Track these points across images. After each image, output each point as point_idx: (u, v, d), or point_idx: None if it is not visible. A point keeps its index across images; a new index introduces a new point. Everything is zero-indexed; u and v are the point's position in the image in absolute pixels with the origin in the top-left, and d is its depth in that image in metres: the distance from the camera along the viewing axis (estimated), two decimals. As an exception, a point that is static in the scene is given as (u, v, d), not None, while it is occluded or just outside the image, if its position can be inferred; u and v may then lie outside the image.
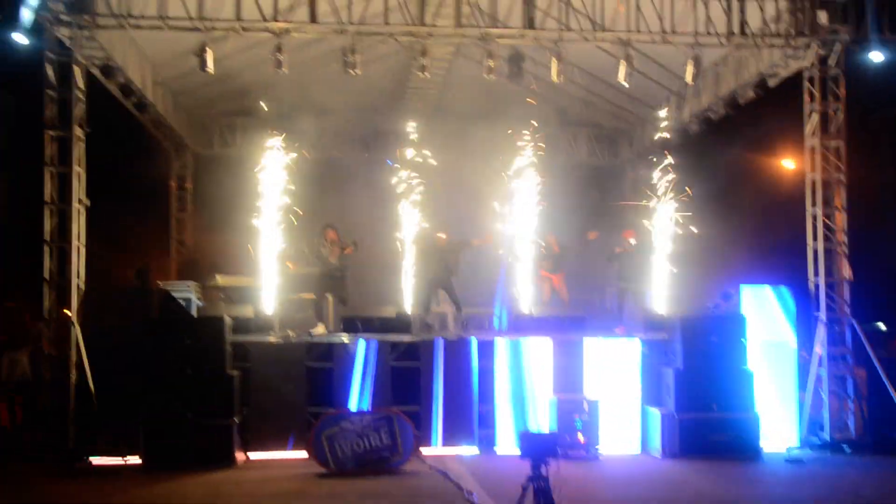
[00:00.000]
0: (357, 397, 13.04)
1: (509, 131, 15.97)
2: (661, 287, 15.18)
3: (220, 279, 16.06)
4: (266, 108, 15.91)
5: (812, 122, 14.59)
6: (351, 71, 14.30)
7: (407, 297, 14.71)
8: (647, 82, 18.05)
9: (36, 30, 13.19)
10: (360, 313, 13.77)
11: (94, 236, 13.93)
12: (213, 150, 20.50)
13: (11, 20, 12.88)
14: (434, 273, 14.72)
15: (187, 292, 15.22)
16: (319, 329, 14.04)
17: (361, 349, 13.22)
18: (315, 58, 17.57)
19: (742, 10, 14.37)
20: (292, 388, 13.00)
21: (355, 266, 14.95)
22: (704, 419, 12.82)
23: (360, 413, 12.12)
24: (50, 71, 13.32)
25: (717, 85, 16.98)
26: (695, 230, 15.45)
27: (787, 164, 20.59)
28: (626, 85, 15.00)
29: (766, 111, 17.36)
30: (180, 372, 12.17)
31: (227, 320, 12.63)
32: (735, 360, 13.13)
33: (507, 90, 16.77)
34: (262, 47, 14.53)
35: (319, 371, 13.26)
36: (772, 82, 15.55)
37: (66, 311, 12.85)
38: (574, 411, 12.77)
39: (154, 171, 18.91)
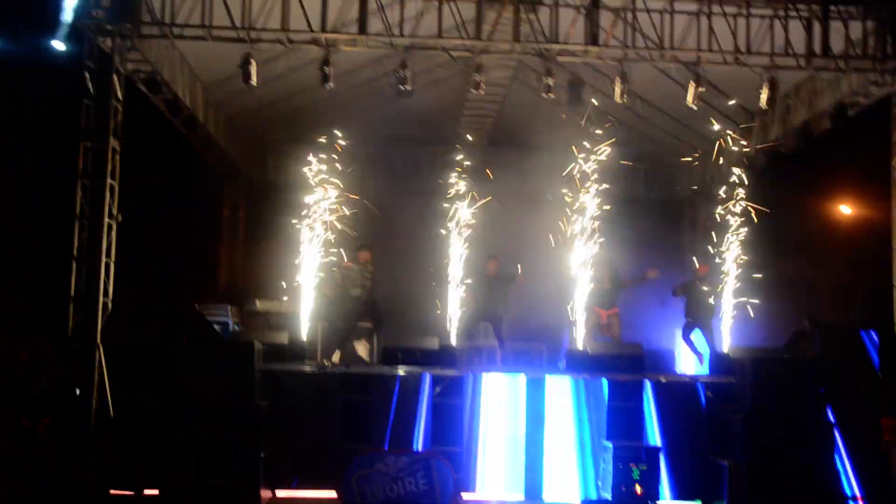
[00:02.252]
0: (394, 435, 12.06)
1: (568, 162, 15.09)
2: (728, 327, 14.07)
3: (260, 304, 15.38)
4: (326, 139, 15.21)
5: (899, 153, 13.50)
6: (402, 87, 13.67)
7: (452, 328, 13.80)
8: (710, 113, 17.12)
9: (76, 38, 12.72)
10: (401, 344, 12.82)
11: (137, 256, 13.28)
12: (268, 177, 19.96)
13: (50, 27, 12.44)
14: (482, 302, 13.86)
15: (224, 316, 14.59)
16: (335, 357, 13.20)
17: (404, 383, 12.27)
18: (367, 81, 17.02)
19: (825, 31, 13.42)
20: (325, 421, 12.06)
21: (398, 294, 14.20)
22: (776, 471, 11.62)
23: (395, 454, 11.15)
24: (88, 80, 12.75)
25: (788, 115, 15.98)
26: (757, 273, 14.42)
27: (856, 207, 19.35)
28: (696, 108, 14.09)
29: (841, 143, 16.19)
30: (205, 400, 11.32)
31: (258, 346, 11.75)
32: (812, 407, 11.92)
33: (565, 120, 15.94)
34: (315, 66, 13.88)
35: (356, 404, 12.30)
36: (852, 111, 14.53)
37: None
38: (631, 459, 11.65)
39: (205, 194, 18.34)
